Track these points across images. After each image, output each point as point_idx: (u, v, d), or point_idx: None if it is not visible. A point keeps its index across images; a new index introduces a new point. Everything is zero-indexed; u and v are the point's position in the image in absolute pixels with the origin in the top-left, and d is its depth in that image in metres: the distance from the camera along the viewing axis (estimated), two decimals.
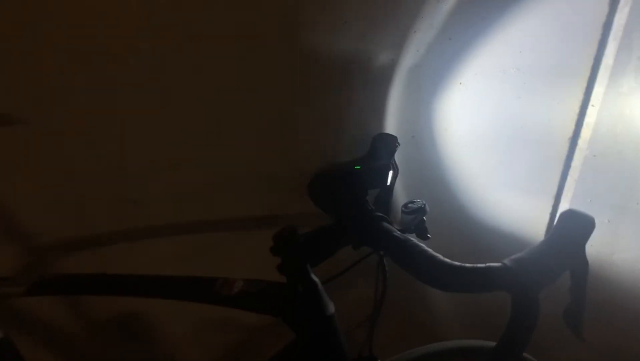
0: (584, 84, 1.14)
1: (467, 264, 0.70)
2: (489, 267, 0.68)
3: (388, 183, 0.89)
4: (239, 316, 1.33)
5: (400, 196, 1.24)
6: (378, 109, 1.13)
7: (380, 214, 0.86)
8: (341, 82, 1.09)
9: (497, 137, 1.20)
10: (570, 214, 0.70)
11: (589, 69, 1.12)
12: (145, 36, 1.00)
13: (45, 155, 1.10)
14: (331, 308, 0.88)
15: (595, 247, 1.36)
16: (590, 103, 1.16)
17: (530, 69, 1.11)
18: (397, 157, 1.15)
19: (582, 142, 1.21)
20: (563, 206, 1.32)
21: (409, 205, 0.94)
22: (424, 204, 0.94)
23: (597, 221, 1.18)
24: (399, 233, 0.81)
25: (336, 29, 1.02)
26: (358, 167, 0.87)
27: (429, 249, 0.74)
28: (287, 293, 0.86)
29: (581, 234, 0.69)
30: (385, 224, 0.85)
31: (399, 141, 1.14)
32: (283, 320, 0.87)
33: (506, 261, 0.68)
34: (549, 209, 1.32)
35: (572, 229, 0.69)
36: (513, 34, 1.07)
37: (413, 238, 0.78)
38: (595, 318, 1.41)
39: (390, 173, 0.90)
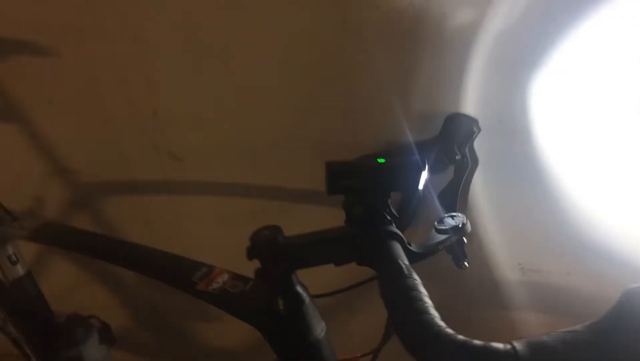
0: None
1: (460, 337, 0.47)
2: (488, 348, 0.46)
3: (419, 186, 0.66)
4: None
5: (477, 199, 0.99)
6: (453, 82, 0.88)
7: (392, 229, 0.65)
8: (407, 43, 0.85)
9: (625, 137, 0.88)
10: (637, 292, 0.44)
11: None
12: None
13: (81, 95, 1.03)
14: (320, 330, 0.70)
15: None
16: None
17: None
18: (478, 146, 0.92)
19: None
20: None
21: (446, 220, 0.71)
22: (464, 223, 0.70)
23: None
24: (405, 260, 0.60)
25: None
26: (382, 160, 0.65)
27: (426, 302, 0.52)
28: (269, 307, 0.70)
29: None
30: (394, 243, 0.64)
31: (480, 125, 0.90)
32: (262, 336, 0.72)
33: (517, 344, 0.45)
34: None
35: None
36: None
37: (416, 278, 0.57)
38: None
39: (424, 174, 0.67)
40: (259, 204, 1.10)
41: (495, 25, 0.81)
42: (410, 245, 0.67)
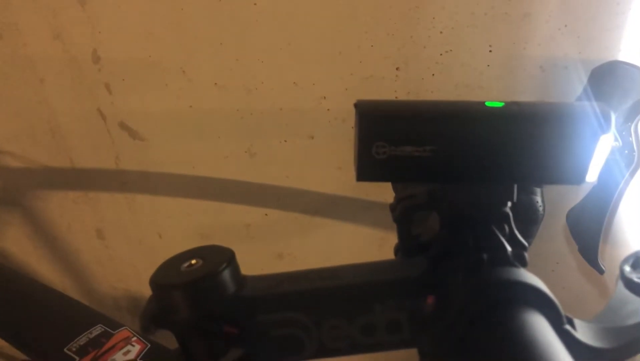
0: None
1: None
2: None
3: (588, 176, 0.25)
4: None
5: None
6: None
7: (532, 284, 0.23)
8: None
9: None
10: None
11: None
12: None
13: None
14: None
15: None
16: None
17: None
18: None
19: None
20: None
21: None
22: None
23: None
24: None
25: None
26: (498, 103, 0.24)
27: None
28: None
29: None
30: (535, 320, 0.22)
31: None
32: None
33: None
34: None
35: None
36: None
37: None
38: None
39: (603, 149, 0.25)
40: (257, 214, 0.69)
41: None
42: (573, 326, 0.25)
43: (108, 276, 0.88)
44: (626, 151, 0.50)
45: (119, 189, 0.77)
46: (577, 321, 0.26)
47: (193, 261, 0.27)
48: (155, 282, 0.26)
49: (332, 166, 0.63)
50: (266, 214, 0.71)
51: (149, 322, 0.26)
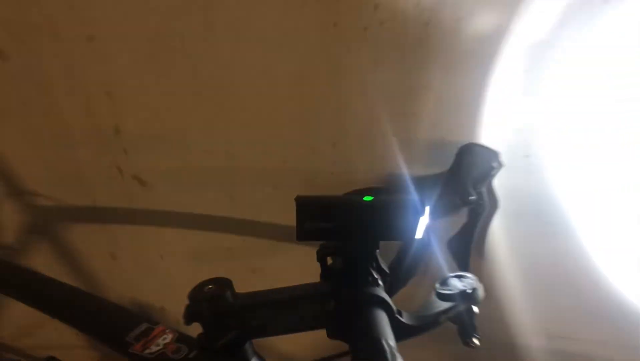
0: None
1: None
2: None
3: (418, 235, 0.50)
4: None
5: (495, 249, 0.82)
6: (470, 106, 0.72)
7: (376, 292, 0.49)
8: (412, 55, 0.69)
9: None
10: None
11: None
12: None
13: (32, 104, 0.90)
14: None
15: None
16: None
17: None
18: (498, 184, 0.77)
19: None
20: None
21: (451, 281, 0.54)
22: (475, 288, 0.53)
23: None
24: (390, 340, 0.43)
25: None
26: (369, 198, 0.49)
27: None
28: None
29: None
30: (377, 312, 0.47)
31: (501, 159, 0.74)
32: None
33: None
34: None
35: None
36: None
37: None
38: None
39: (423, 219, 0.50)
40: (236, 240, 0.94)
41: (525, 36, 0.65)
42: (401, 315, 0.50)
43: (118, 288, 1.11)
44: (481, 202, 0.76)
45: (130, 222, 1.00)
46: (404, 313, 0.51)
47: (210, 286, 0.51)
48: (190, 297, 0.50)
49: (291, 207, 0.88)
50: (243, 240, 0.96)
51: (188, 318, 0.50)
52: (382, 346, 0.42)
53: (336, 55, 0.73)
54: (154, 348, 0.60)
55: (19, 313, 1.07)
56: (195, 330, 0.51)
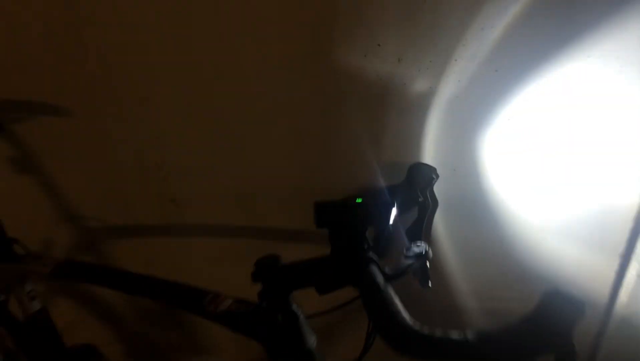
0: None
1: (427, 331, 0.64)
2: (449, 339, 0.62)
3: (390, 222, 0.83)
4: None
5: (439, 234, 1.17)
6: (415, 138, 1.07)
7: (371, 256, 0.81)
8: (375, 106, 1.05)
9: (553, 181, 1.08)
10: (555, 294, 0.61)
11: None
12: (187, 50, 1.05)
13: (92, 149, 1.20)
14: (312, 341, 0.85)
15: None
16: None
17: (589, 108, 0.99)
18: (437, 190, 1.09)
19: None
20: (633, 267, 1.16)
21: (412, 248, 0.88)
22: (426, 250, 0.87)
23: None
24: (381, 279, 0.76)
25: (369, 51, 0.98)
26: (359, 200, 0.82)
27: (400, 311, 0.68)
28: (268, 322, 0.85)
29: (568, 319, 0.60)
30: (372, 266, 0.80)
31: (438, 173, 1.08)
32: (263, 347, 0.86)
33: (470, 333, 0.61)
34: (615, 267, 1.17)
35: (556, 312, 0.60)
36: (572, 70, 0.95)
37: (390, 292, 0.73)
38: None
39: (394, 211, 0.84)
40: (252, 244, 1.25)
41: (447, 92, 1.01)
42: (385, 269, 0.83)
43: None
44: (426, 202, 1.10)
45: (164, 234, 1.30)
46: (386, 267, 0.84)
47: (267, 258, 0.83)
48: (256, 264, 0.81)
49: (291, 216, 1.21)
50: (255, 243, 1.27)
51: (255, 278, 0.81)
52: (377, 283, 0.75)
53: (327, 110, 1.07)
54: (222, 308, 0.90)
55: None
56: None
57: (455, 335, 0.62)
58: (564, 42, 0.93)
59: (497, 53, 0.95)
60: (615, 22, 0.90)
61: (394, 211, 0.84)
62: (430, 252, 0.88)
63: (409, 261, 0.87)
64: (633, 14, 0.89)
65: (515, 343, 0.61)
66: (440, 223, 1.15)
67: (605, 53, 0.93)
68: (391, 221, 0.84)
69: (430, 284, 0.91)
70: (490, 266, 1.21)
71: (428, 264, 0.90)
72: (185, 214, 1.25)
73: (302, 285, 0.83)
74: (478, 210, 1.13)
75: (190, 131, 1.15)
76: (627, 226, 1.10)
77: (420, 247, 0.88)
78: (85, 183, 1.25)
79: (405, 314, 0.68)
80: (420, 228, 1.10)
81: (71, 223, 1.29)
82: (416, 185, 1.07)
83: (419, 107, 1.04)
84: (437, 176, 1.08)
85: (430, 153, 1.08)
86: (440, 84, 1.00)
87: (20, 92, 1.15)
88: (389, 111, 1.05)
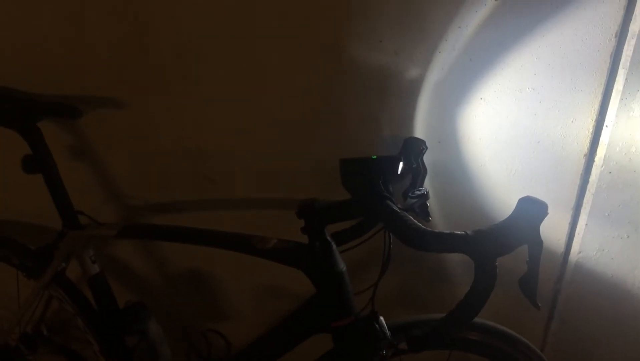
0: (597, 106, 1.28)
1: (440, 231, 0.87)
2: (454, 234, 0.86)
3: (399, 172, 1.09)
4: (290, 286, 1.57)
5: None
6: (409, 116, 1.34)
7: (387, 195, 1.06)
8: (378, 89, 1.32)
9: (516, 148, 1.36)
10: (527, 200, 0.85)
11: (600, 93, 1.26)
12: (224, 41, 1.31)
13: (141, 137, 1.43)
14: (342, 266, 1.09)
15: (617, 262, 1.46)
16: (604, 124, 1.29)
17: (545, 89, 1.28)
18: (426, 159, 1.35)
19: (597, 160, 1.34)
20: (582, 218, 1.43)
21: (416, 191, 1.14)
22: (427, 191, 1.13)
23: (616, 236, 1.40)
24: (399, 209, 1.01)
25: (373, 46, 1.26)
26: (374, 157, 1.07)
27: (415, 222, 0.92)
28: (308, 251, 1.09)
29: (536, 217, 0.83)
30: (389, 202, 1.04)
31: (427, 144, 1.34)
32: (304, 273, 1.10)
33: (469, 231, 0.85)
34: (568, 220, 1.44)
35: (528, 212, 0.84)
36: (527, 58, 1.24)
37: (407, 215, 0.97)
38: (621, 331, 1.52)
39: (401, 164, 1.10)
40: (273, 214, 1.50)
41: (433, 78, 1.29)
42: (396, 204, 1.09)
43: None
44: (418, 169, 1.37)
45: (199, 209, 1.52)
46: (397, 204, 1.09)
47: (308, 199, 1.07)
48: (299, 205, 1.06)
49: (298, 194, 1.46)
50: (272, 216, 1.51)
51: (300, 215, 1.05)
52: (395, 209, 0.99)
53: (340, 96, 1.34)
54: (269, 245, 1.14)
55: None
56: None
57: (458, 232, 0.86)
58: (520, 36, 1.23)
59: (471, 45, 1.24)
60: (555, 19, 1.21)
61: (401, 165, 1.11)
62: (429, 193, 1.14)
63: (414, 200, 1.13)
64: (569, 13, 1.20)
65: (501, 237, 0.84)
66: (428, 185, 1.41)
67: (551, 43, 1.22)
68: (399, 172, 1.11)
69: (430, 219, 1.17)
70: (469, 217, 1.46)
71: (428, 203, 1.16)
72: (215, 189, 1.48)
73: (334, 220, 1.07)
74: (458, 174, 1.40)
75: (225, 118, 1.39)
76: (575, 182, 1.39)
77: (421, 190, 1.14)
78: (129, 165, 1.48)
79: (419, 224, 0.91)
80: (415, 188, 1.37)
81: (117, 201, 1.51)
82: (410, 155, 1.34)
83: (412, 91, 1.31)
84: (426, 147, 1.32)
85: (420, 128, 1.35)
86: (428, 71, 1.28)
87: (88, 88, 1.38)
88: (387, 94, 1.32)
